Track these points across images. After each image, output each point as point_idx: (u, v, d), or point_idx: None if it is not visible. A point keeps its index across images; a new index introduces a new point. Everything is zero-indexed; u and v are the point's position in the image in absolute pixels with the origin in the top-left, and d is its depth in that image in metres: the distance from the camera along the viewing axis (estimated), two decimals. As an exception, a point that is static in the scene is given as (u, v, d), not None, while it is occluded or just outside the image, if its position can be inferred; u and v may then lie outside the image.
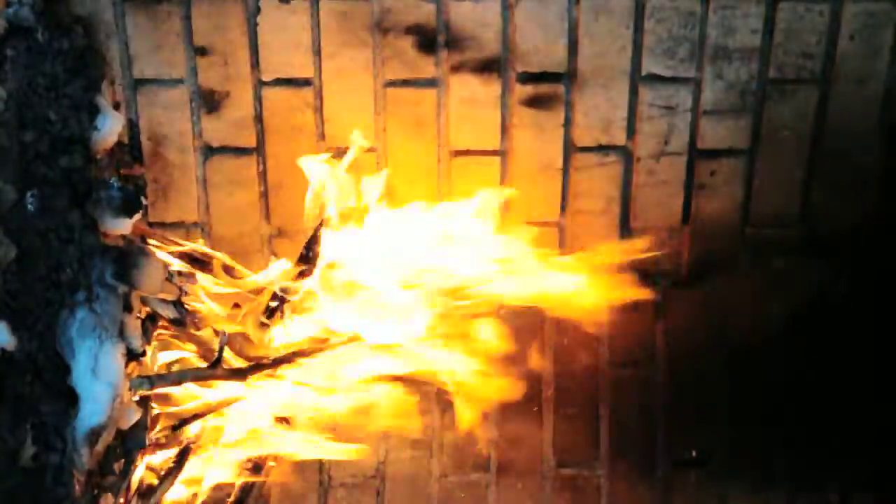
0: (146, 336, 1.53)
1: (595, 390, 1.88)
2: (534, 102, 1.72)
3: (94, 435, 1.38)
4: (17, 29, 1.47)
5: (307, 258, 1.63)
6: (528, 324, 1.78)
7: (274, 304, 1.63)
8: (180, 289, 1.54)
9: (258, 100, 1.71)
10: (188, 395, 1.59)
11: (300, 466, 1.86)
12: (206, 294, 1.60)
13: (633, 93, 1.71)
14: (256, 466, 1.68)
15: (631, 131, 1.73)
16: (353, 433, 1.87)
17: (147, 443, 1.50)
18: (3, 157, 1.37)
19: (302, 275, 1.62)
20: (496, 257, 1.62)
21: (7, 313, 1.32)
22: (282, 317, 1.64)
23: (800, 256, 1.79)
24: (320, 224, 1.64)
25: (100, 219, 1.49)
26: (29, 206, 1.39)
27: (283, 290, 1.62)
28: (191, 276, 1.59)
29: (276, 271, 1.65)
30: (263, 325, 1.63)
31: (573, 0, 1.65)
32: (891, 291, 1.79)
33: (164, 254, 1.57)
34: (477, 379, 1.65)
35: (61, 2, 1.60)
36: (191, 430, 1.60)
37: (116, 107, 1.67)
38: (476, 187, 1.72)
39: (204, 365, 1.57)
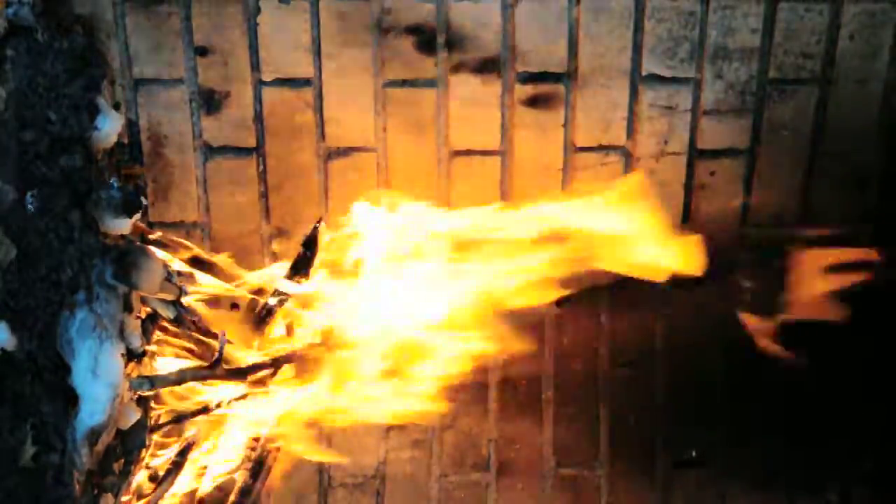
0: (146, 336, 1.53)
1: (595, 390, 1.88)
2: (534, 102, 1.72)
3: (94, 435, 1.38)
4: (17, 29, 1.47)
5: (305, 258, 1.63)
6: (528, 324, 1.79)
7: (273, 301, 1.63)
8: (180, 289, 1.54)
9: (258, 100, 1.71)
10: (188, 395, 1.59)
11: (300, 466, 1.87)
12: (205, 294, 1.60)
13: (633, 93, 1.71)
14: (256, 467, 1.68)
15: (631, 131, 1.73)
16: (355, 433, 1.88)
17: (147, 443, 1.50)
18: (3, 157, 1.37)
19: (300, 275, 1.62)
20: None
21: (7, 313, 1.32)
22: (280, 316, 1.64)
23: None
24: (319, 221, 1.64)
25: (100, 219, 1.49)
26: (29, 206, 1.39)
27: (282, 291, 1.63)
28: (190, 277, 1.59)
29: (275, 272, 1.65)
30: (261, 326, 1.63)
31: (573, 0, 1.66)
32: (891, 291, 1.79)
33: (164, 254, 1.58)
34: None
35: (61, 2, 1.60)
36: (191, 430, 1.60)
37: (116, 107, 1.67)
38: (476, 187, 1.73)
39: (204, 365, 1.57)
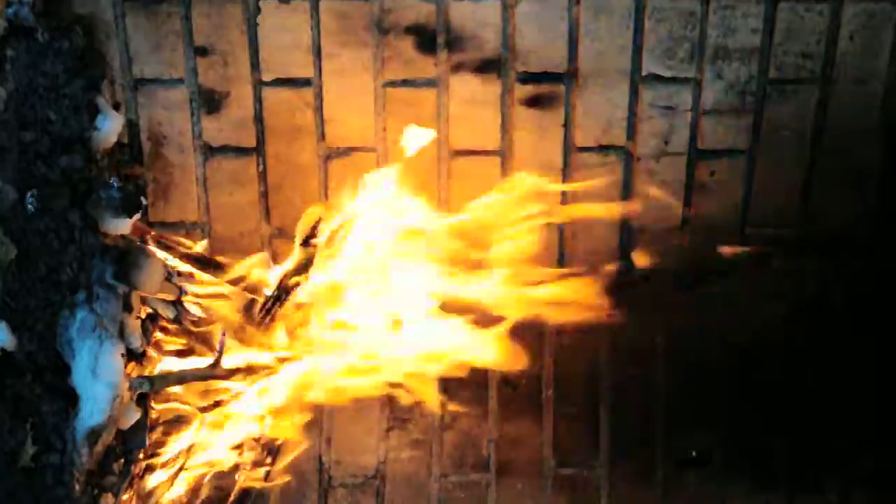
0: (146, 336, 1.53)
1: (595, 390, 1.88)
2: (534, 102, 1.72)
3: (94, 435, 1.38)
4: (17, 29, 1.47)
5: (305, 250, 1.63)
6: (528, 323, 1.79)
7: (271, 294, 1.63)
8: (180, 289, 1.55)
9: (258, 100, 1.71)
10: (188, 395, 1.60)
11: (300, 466, 1.87)
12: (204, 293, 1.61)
13: (633, 93, 1.71)
14: (257, 466, 1.68)
15: (631, 131, 1.73)
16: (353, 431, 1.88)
17: (147, 443, 1.51)
18: (3, 157, 1.37)
19: (300, 274, 1.62)
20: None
21: (7, 313, 1.32)
22: (279, 312, 1.64)
23: (800, 256, 1.79)
24: (318, 220, 1.64)
25: (100, 219, 1.49)
26: (29, 206, 1.39)
27: (281, 288, 1.63)
28: (190, 277, 1.59)
29: (274, 270, 1.65)
30: (260, 325, 1.63)
31: (573, 0, 1.65)
32: (891, 291, 1.79)
33: (164, 253, 1.58)
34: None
35: (61, 2, 1.60)
36: (191, 429, 1.60)
37: (116, 107, 1.67)
38: (476, 187, 1.73)
39: (204, 364, 1.57)
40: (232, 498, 1.66)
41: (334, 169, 1.74)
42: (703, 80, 1.70)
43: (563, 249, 1.79)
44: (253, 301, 1.64)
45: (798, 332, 1.82)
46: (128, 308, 1.49)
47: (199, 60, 1.68)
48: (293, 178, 1.75)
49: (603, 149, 1.74)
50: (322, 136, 1.73)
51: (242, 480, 1.68)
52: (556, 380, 1.87)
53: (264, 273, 1.67)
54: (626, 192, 1.76)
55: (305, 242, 1.64)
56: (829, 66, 1.69)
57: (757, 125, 1.73)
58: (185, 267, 1.60)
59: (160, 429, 1.57)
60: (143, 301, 1.55)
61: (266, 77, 1.70)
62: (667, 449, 1.91)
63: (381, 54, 1.68)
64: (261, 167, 1.75)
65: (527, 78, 1.70)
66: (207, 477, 1.66)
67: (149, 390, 1.49)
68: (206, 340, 1.60)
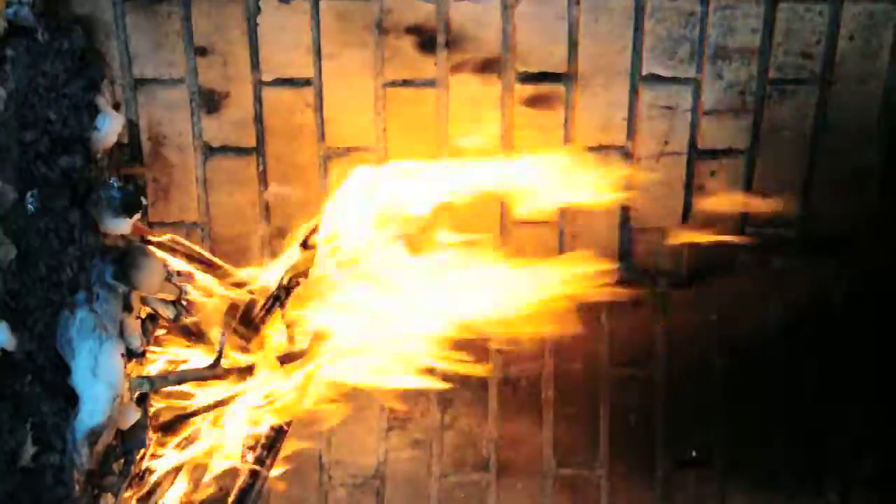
0: (146, 336, 1.53)
1: (595, 390, 1.88)
2: (534, 102, 1.72)
3: (94, 435, 1.38)
4: (17, 29, 1.47)
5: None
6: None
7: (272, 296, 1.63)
8: (180, 289, 1.54)
9: (258, 100, 1.71)
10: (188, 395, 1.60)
11: (300, 466, 1.87)
12: (204, 294, 1.60)
13: (633, 93, 1.71)
14: (256, 466, 1.68)
15: (631, 131, 1.73)
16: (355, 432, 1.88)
17: (147, 443, 1.50)
18: (3, 157, 1.37)
19: (299, 276, 1.62)
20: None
21: (7, 313, 1.32)
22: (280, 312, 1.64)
23: (800, 256, 1.79)
24: (318, 221, 1.64)
25: (100, 219, 1.49)
26: (29, 206, 1.39)
27: (281, 288, 1.62)
28: (190, 277, 1.59)
29: (274, 270, 1.65)
30: (260, 326, 1.63)
31: (573, 0, 1.65)
32: (891, 291, 1.79)
33: (164, 253, 1.58)
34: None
35: (61, 2, 1.60)
36: (190, 429, 1.60)
37: (116, 107, 1.67)
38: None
39: (204, 365, 1.57)
40: (232, 498, 1.66)
41: (334, 169, 1.74)
42: (703, 80, 1.70)
43: (562, 250, 1.79)
44: (253, 301, 1.64)
45: (798, 332, 1.82)
46: (128, 308, 1.49)
47: (199, 60, 1.68)
48: (293, 178, 1.75)
49: (603, 149, 1.74)
50: (322, 136, 1.73)
51: (242, 480, 1.68)
52: (556, 380, 1.87)
53: (264, 273, 1.67)
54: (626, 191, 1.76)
55: (305, 243, 1.64)
56: (829, 66, 1.69)
57: (757, 125, 1.73)
58: (185, 266, 1.60)
59: (161, 428, 1.57)
60: (143, 301, 1.55)
61: (266, 77, 1.70)
62: (667, 449, 1.91)
63: (381, 54, 1.68)
64: (261, 167, 1.75)
65: (527, 78, 1.70)
66: (207, 476, 1.66)
67: (149, 390, 1.49)
68: (205, 340, 1.60)
